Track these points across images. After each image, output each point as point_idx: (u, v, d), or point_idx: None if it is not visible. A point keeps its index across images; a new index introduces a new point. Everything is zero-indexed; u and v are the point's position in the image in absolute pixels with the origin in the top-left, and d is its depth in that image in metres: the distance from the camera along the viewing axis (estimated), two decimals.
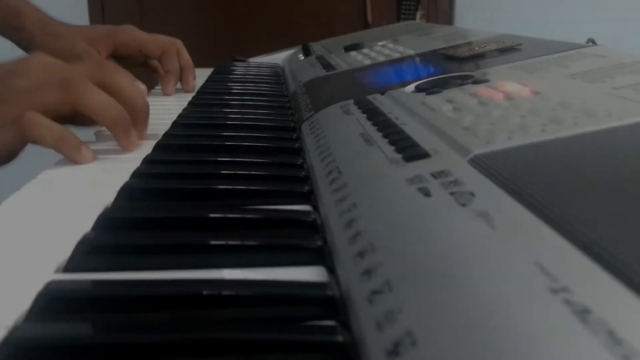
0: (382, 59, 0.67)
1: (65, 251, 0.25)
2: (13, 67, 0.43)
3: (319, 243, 0.26)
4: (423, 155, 0.29)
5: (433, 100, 0.38)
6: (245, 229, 0.29)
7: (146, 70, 0.78)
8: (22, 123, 0.39)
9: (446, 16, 1.80)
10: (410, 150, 0.29)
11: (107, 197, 0.32)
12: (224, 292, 0.22)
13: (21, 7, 0.74)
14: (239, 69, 0.91)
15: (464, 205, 0.22)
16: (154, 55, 0.76)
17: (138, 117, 0.45)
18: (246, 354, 0.19)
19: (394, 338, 0.16)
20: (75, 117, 0.43)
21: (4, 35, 0.75)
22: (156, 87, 0.79)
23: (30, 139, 0.40)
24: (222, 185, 0.34)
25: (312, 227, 0.28)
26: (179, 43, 0.78)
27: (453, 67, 0.52)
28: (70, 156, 0.41)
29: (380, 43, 0.81)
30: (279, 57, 1.03)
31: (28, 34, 0.73)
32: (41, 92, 0.41)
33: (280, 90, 0.71)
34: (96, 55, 0.71)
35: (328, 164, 0.34)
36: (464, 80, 0.43)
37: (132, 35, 0.75)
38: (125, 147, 0.44)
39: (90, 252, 0.25)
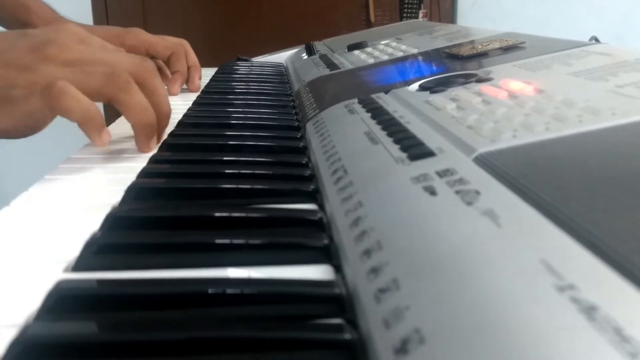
0: (385, 57, 0.67)
1: (73, 251, 0.26)
2: (45, 36, 0.41)
3: (325, 241, 0.26)
4: (428, 154, 0.29)
5: (437, 98, 0.38)
6: (251, 228, 0.29)
7: None
8: (53, 91, 0.38)
9: (448, 15, 1.80)
10: (415, 149, 0.29)
11: (114, 196, 0.32)
12: (231, 291, 0.22)
13: (30, 3, 0.75)
14: (243, 68, 0.91)
15: (469, 203, 0.22)
16: (162, 57, 0.76)
17: (162, 121, 0.45)
18: (253, 351, 0.19)
19: (401, 335, 0.16)
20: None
21: (12, 30, 0.75)
22: None
23: (58, 110, 0.39)
24: (228, 185, 0.34)
25: (318, 225, 0.28)
26: (186, 44, 0.78)
27: (456, 65, 0.52)
28: (91, 135, 0.40)
29: (383, 42, 0.81)
30: (282, 57, 1.03)
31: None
32: (83, 73, 0.40)
33: (284, 90, 0.71)
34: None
35: (333, 162, 0.34)
36: (467, 78, 0.43)
37: (141, 37, 0.75)
38: (142, 151, 0.44)
39: (98, 251, 0.25)
